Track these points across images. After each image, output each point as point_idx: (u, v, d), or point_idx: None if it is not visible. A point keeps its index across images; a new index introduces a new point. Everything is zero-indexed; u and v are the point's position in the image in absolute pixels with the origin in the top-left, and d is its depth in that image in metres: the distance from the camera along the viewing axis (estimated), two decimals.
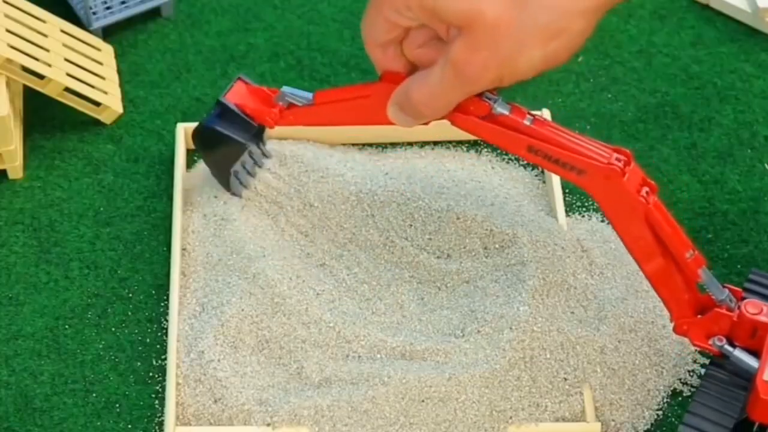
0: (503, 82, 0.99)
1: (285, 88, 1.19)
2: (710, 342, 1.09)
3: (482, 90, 1.02)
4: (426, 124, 1.08)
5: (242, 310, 1.18)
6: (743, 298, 1.09)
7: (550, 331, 1.15)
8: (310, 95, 1.18)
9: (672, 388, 1.17)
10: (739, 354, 1.08)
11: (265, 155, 1.28)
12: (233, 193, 1.26)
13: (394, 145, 1.35)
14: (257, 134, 1.25)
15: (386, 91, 1.08)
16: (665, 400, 1.16)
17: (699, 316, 1.09)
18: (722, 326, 1.09)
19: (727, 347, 1.08)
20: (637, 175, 1.05)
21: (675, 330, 1.11)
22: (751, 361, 1.07)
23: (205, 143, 1.25)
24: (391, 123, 1.09)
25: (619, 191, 1.04)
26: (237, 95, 1.22)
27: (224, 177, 1.26)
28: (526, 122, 1.06)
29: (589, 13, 0.96)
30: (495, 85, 0.99)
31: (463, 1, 0.95)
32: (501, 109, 1.06)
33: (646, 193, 1.05)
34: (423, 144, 1.35)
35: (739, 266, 1.25)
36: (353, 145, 1.35)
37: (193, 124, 1.34)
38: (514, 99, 1.13)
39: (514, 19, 0.94)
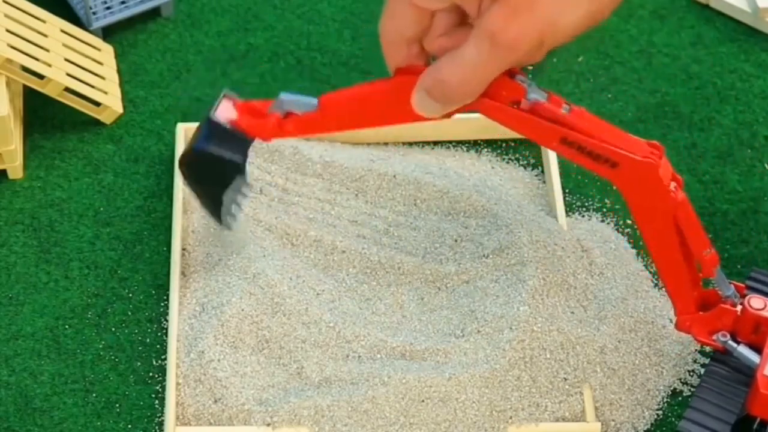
0: (544, 47, 0.93)
1: (283, 95, 1.10)
2: (714, 338, 1.09)
3: (521, 60, 0.95)
4: (450, 116, 1.01)
5: (242, 310, 1.18)
6: (745, 295, 1.09)
7: (550, 331, 1.15)
8: (314, 101, 1.09)
9: (672, 388, 1.17)
10: (743, 350, 1.08)
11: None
12: (224, 226, 1.18)
13: (395, 144, 1.35)
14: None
15: (407, 82, 1.01)
16: (665, 400, 1.16)
17: (701, 313, 1.09)
18: (726, 322, 1.09)
19: (731, 343, 1.08)
20: (668, 170, 1.03)
21: (677, 326, 1.11)
22: (753, 357, 1.07)
23: (197, 170, 1.16)
24: (409, 119, 1.03)
25: (653, 186, 1.02)
26: (226, 111, 1.13)
27: (216, 206, 1.17)
28: (563, 111, 1.00)
29: None
30: (535, 51, 0.93)
31: None
32: (536, 96, 1.00)
33: (674, 187, 1.03)
34: (423, 144, 1.35)
35: (739, 266, 1.25)
36: (353, 145, 1.35)
37: (194, 124, 1.34)
38: None
39: None
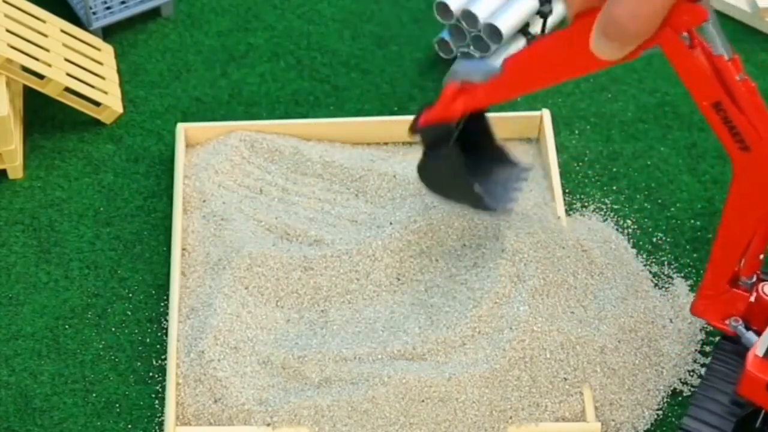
0: None
1: (457, 66, 1.05)
2: (726, 322, 1.09)
3: None
4: (634, 55, 0.95)
5: (242, 310, 1.18)
6: (762, 281, 1.09)
7: (550, 331, 1.15)
8: (489, 65, 1.03)
9: (672, 388, 1.17)
10: (751, 336, 1.08)
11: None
12: (497, 208, 1.13)
13: (395, 144, 1.35)
14: (465, 133, 1.10)
15: (586, 25, 0.95)
16: (665, 400, 1.16)
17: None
18: (739, 307, 1.08)
19: (741, 328, 1.08)
20: None
21: (692, 310, 1.10)
22: (753, 339, 1.07)
23: (434, 179, 1.14)
24: (594, 67, 0.98)
25: None
26: (422, 118, 1.11)
27: (477, 199, 1.13)
28: (738, 78, 0.96)
29: None
30: None
31: None
32: (723, 51, 0.95)
33: None
34: None
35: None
36: (353, 145, 1.35)
37: (194, 124, 1.34)
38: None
39: None
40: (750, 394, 1.04)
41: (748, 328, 1.09)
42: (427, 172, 1.14)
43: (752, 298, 1.08)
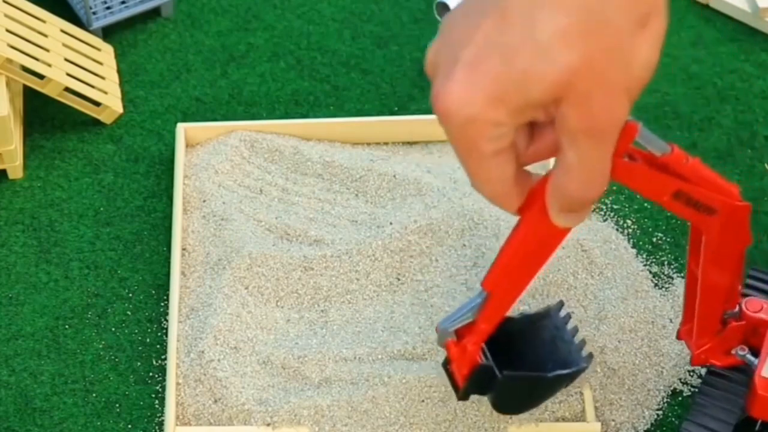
0: (634, 97, 0.84)
1: (441, 326, 1.01)
2: (733, 353, 1.08)
3: (624, 123, 0.85)
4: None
5: (242, 309, 1.18)
6: (744, 295, 1.09)
7: None
8: (474, 301, 0.99)
9: (672, 388, 1.17)
10: (751, 358, 1.08)
11: None
12: (583, 364, 1.05)
13: (395, 144, 1.35)
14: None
15: (541, 214, 0.91)
16: (665, 400, 1.16)
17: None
18: (737, 337, 1.08)
19: (749, 356, 1.07)
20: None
21: (694, 362, 1.09)
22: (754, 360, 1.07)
23: (517, 405, 1.07)
24: (563, 236, 0.94)
25: (743, 228, 1.00)
26: (459, 382, 1.04)
27: (555, 381, 1.05)
28: (685, 162, 0.95)
29: None
30: (631, 105, 0.84)
31: (547, 74, 0.79)
32: (665, 149, 0.93)
33: None
34: (423, 144, 1.35)
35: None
36: (353, 145, 1.35)
37: (194, 124, 1.34)
38: None
39: (598, 43, 0.79)
40: (763, 415, 1.04)
41: (754, 353, 1.08)
42: (506, 406, 1.07)
43: (743, 321, 1.08)
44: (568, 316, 1.07)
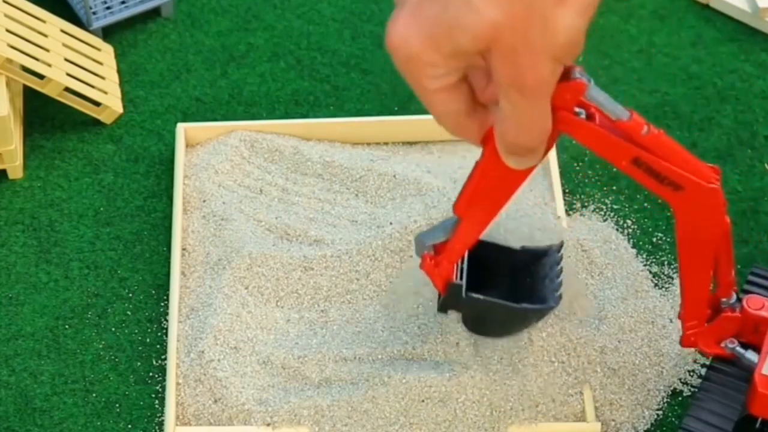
0: (565, 60, 0.86)
1: (420, 238, 1.07)
2: (722, 345, 1.09)
3: (552, 83, 0.88)
4: (549, 146, 0.93)
5: (242, 309, 1.18)
6: (746, 292, 1.09)
7: (551, 332, 1.15)
8: (445, 222, 1.05)
9: (672, 388, 1.17)
10: (751, 356, 1.08)
11: None
12: (553, 303, 1.11)
13: (395, 144, 1.35)
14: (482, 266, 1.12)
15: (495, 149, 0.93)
16: (665, 400, 1.16)
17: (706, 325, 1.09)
18: (730, 329, 1.08)
19: (739, 349, 1.08)
20: (722, 193, 1.01)
21: (683, 343, 1.10)
22: (753, 358, 1.07)
23: (483, 328, 1.14)
24: (527, 173, 0.97)
25: (714, 211, 1.00)
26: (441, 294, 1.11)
27: (525, 314, 1.12)
28: (643, 132, 0.96)
29: None
30: (561, 69, 0.87)
31: (472, 25, 0.83)
32: (621, 115, 0.95)
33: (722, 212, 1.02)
34: (423, 144, 1.35)
35: (739, 266, 1.25)
36: (353, 145, 1.35)
37: (194, 124, 1.34)
38: None
39: (521, 5, 0.83)
40: (763, 413, 1.04)
41: (744, 347, 1.09)
42: (474, 328, 1.14)
43: (739, 315, 1.08)
44: (561, 257, 1.12)
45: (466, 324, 1.15)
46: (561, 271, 1.12)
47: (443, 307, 1.12)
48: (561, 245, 1.14)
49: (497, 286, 1.14)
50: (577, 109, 0.95)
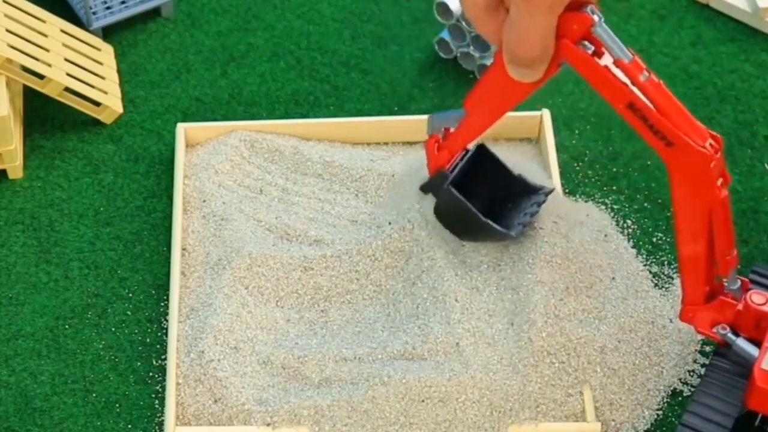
0: None
1: (433, 118, 1.17)
2: (714, 330, 1.09)
3: (558, 4, 0.95)
4: (550, 73, 1.01)
5: (242, 309, 1.18)
6: (749, 289, 1.09)
7: (551, 332, 1.15)
8: (459, 111, 1.14)
9: (672, 388, 1.17)
10: (742, 343, 1.08)
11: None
12: (511, 233, 1.18)
13: (395, 144, 1.35)
14: (477, 170, 1.21)
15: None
16: (665, 400, 1.16)
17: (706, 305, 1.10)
18: (727, 315, 1.09)
19: (730, 335, 1.08)
20: (720, 164, 1.03)
21: (681, 316, 1.11)
22: (752, 351, 1.07)
23: (449, 221, 1.21)
24: (527, 89, 1.04)
25: (702, 176, 1.02)
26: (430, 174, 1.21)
27: (484, 227, 1.19)
28: (642, 78, 1.00)
29: None
30: None
31: None
32: (622, 56, 1.00)
33: (721, 183, 1.03)
34: (423, 144, 1.35)
35: (739, 266, 1.25)
36: (353, 145, 1.35)
37: (194, 124, 1.34)
38: None
39: None
40: (761, 408, 1.04)
41: (736, 335, 1.09)
42: (441, 216, 1.21)
43: (740, 306, 1.08)
44: (544, 201, 1.20)
45: (436, 212, 1.21)
46: (537, 212, 1.20)
47: (425, 188, 1.21)
48: (551, 191, 1.21)
49: (480, 196, 1.21)
50: (586, 43, 0.99)
